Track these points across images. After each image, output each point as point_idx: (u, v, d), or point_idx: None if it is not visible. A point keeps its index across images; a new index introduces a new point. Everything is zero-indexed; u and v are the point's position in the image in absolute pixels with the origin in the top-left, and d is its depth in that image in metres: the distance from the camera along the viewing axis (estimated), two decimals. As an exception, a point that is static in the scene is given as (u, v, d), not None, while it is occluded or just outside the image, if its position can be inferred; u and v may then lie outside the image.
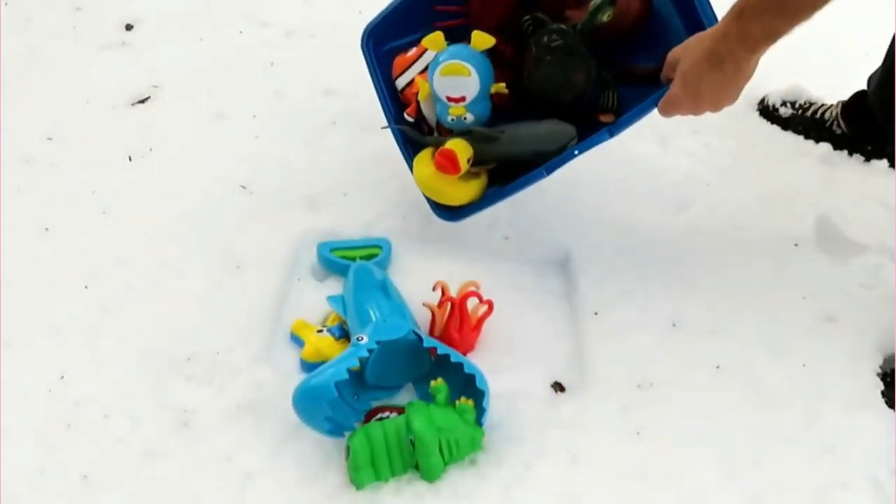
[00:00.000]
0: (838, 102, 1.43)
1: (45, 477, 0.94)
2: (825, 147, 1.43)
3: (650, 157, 1.40)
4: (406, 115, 1.18)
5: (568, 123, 1.09)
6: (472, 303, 1.08)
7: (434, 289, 1.08)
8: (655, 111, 1.03)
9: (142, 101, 1.52)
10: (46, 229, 1.24)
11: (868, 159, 1.40)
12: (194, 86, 1.55)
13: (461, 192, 1.13)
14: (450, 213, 1.17)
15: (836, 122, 1.41)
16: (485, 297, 1.08)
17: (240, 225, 1.26)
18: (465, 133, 1.11)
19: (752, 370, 1.07)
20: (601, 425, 1.00)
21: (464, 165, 1.09)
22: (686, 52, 0.98)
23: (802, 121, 1.45)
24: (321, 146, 1.41)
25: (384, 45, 1.20)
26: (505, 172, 1.14)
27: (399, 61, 1.20)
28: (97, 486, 0.94)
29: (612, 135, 1.06)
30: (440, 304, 1.07)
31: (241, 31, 1.70)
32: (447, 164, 1.08)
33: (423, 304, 1.08)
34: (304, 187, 1.32)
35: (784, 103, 1.48)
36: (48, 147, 1.41)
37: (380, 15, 1.19)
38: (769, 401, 1.04)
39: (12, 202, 1.29)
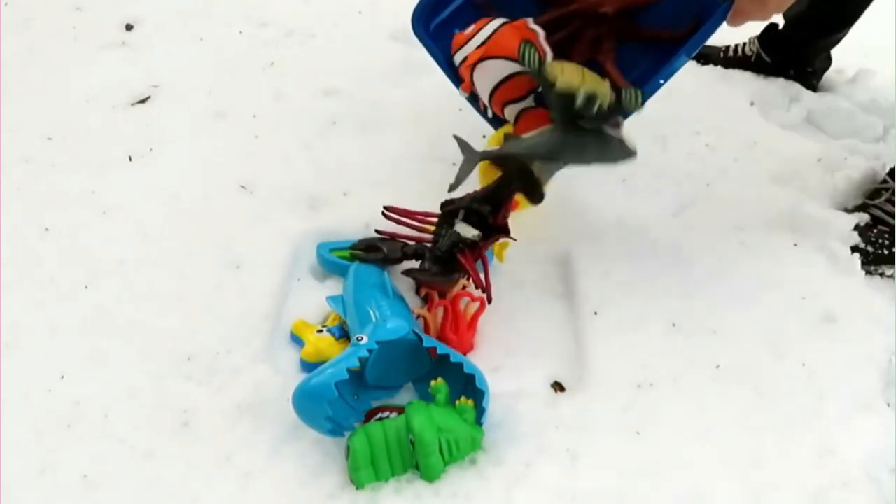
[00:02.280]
0: (751, 38, 1.61)
1: (45, 477, 0.94)
2: (825, 148, 1.43)
3: (650, 157, 1.40)
4: (461, 92, 1.18)
5: (629, 143, 1.04)
6: (464, 302, 1.08)
7: (418, 293, 1.09)
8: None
9: (142, 101, 1.52)
10: (46, 229, 1.24)
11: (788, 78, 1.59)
12: (194, 86, 1.55)
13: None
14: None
15: (758, 55, 1.60)
16: (476, 295, 1.08)
17: (239, 225, 1.26)
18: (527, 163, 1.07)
19: (752, 370, 1.07)
20: (601, 425, 1.00)
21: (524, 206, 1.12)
22: None
23: (731, 62, 1.63)
24: (321, 146, 1.41)
25: (432, 21, 1.22)
26: None
27: (457, 39, 1.18)
28: (97, 486, 0.94)
29: (689, 55, 1.08)
30: (430, 308, 1.08)
31: (241, 31, 1.70)
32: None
33: (415, 312, 1.08)
34: (304, 187, 1.32)
35: (707, 54, 1.65)
36: (48, 147, 1.41)
37: None
38: (769, 401, 1.04)
39: (12, 202, 1.29)
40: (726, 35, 1.57)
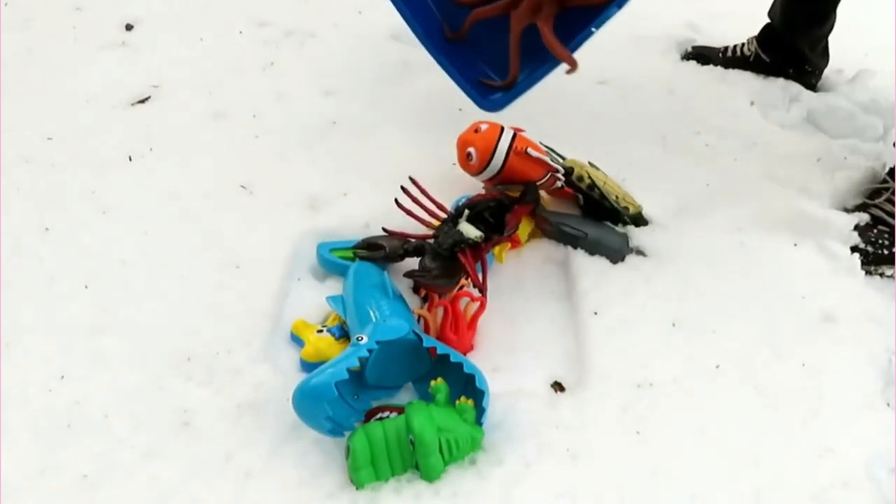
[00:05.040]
0: (750, 38, 1.62)
1: (45, 477, 0.94)
2: (825, 147, 1.43)
3: (650, 157, 1.40)
4: None
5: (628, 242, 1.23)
6: (463, 302, 1.08)
7: (416, 292, 1.09)
8: None
9: (142, 101, 1.52)
10: (46, 229, 1.24)
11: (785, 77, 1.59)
12: (194, 86, 1.55)
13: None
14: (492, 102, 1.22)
15: (757, 55, 1.61)
16: (476, 295, 1.08)
17: (240, 225, 1.26)
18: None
19: (752, 370, 1.07)
20: (601, 425, 1.00)
21: (524, 240, 1.21)
22: None
23: (728, 62, 1.64)
24: (321, 146, 1.41)
25: None
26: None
27: (468, 168, 1.24)
28: (97, 486, 0.93)
29: (619, 7, 1.10)
30: (429, 308, 1.08)
31: (241, 31, 1.70)
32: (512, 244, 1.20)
33: (415, 312, 1.08)
34: (304, 187, 1.32)
35: (700, 55, 1.68)
36: (48, 147, 1.41)
37: None
38: (769, 401, 1.04)
39: (12, 202, 1.29)
40: (725, 36, 1.59)
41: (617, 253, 1.20)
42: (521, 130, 1.22)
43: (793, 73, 1.61)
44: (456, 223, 1.12)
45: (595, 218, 1.24)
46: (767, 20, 1.60)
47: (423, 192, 1.17)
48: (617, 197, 1.23)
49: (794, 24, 1.55)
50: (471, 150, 1.20)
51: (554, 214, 1.24)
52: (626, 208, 1.24)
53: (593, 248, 1.21)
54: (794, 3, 1.54)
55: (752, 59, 1.62)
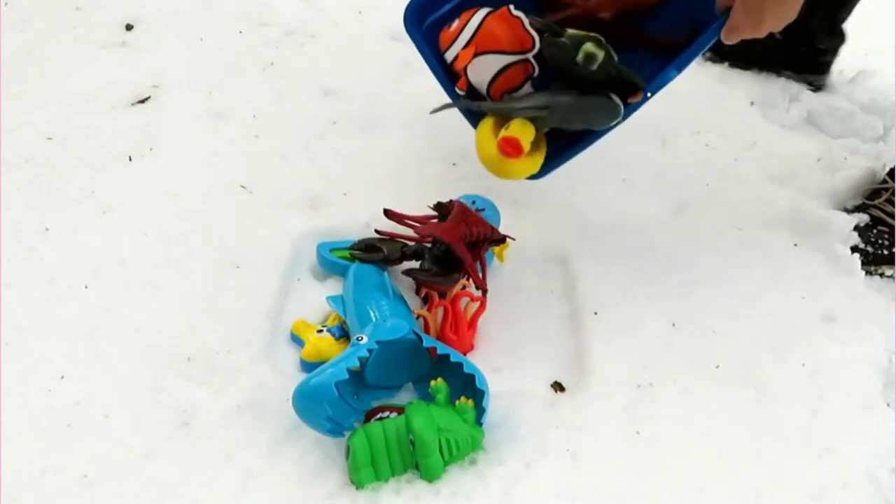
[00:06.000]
0: None
1: (45, 477, 0.94)
2: (825, 147, 1.43)
3: (650, 157, 1.40)
4: (457, 90, 1.16)
5: (615, 98, 1.06)
6: (464, 302, 1.08)
7: (418, 293, 1.09)
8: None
9: (142, 101, 1.52)
10: (46, 229, 1.24)
11: (799, 72, 1.52)
12: (194, 86, 1.55)
13: (526, 166, 1.11)
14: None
15: (772, 35, 1.49)
16: (476, 295, 1.08)
17: (240, 225, 1.26)
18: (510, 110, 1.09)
19: (752, 370, 1.07)
20: (601, 425, 1.00)
21: (527, 147, 1.07)
22: None
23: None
24: (321, 146, 1.41)
25: (426, 20, 1.19)
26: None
27: (444, 36, 1.16)
28: (97, 485, 0.93)
29: (679, 70, 1.07)
30: (430, 308, 1.08)
31: (241, 31, 1.69)
32: (512, 150, 1.07)
33: (415, 312, 1.08)
34: (304, 187, 1.32)
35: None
36: (48, 147, 1.41)
37: None
38: (769, 401, 1.04)
39: (12, 202, 1.29)
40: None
41: (604, 112, 1.06)
42: None
43: (805, 51, 1.54)
44: None
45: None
46: None
47: (401, 217, 1.16)
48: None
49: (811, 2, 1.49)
50: (454, 20, 1.14)
51: (511, 101, 1.11)
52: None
53: (569, 120, 1.09)
54: None
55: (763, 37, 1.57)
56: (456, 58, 1.14)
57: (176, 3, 1.76)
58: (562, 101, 1.08)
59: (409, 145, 1.40)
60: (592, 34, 1.06)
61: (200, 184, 1.33)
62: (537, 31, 1.12)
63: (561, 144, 1.14)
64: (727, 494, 0.95)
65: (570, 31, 1.06)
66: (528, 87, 1.13)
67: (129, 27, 1.70)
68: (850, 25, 1.55)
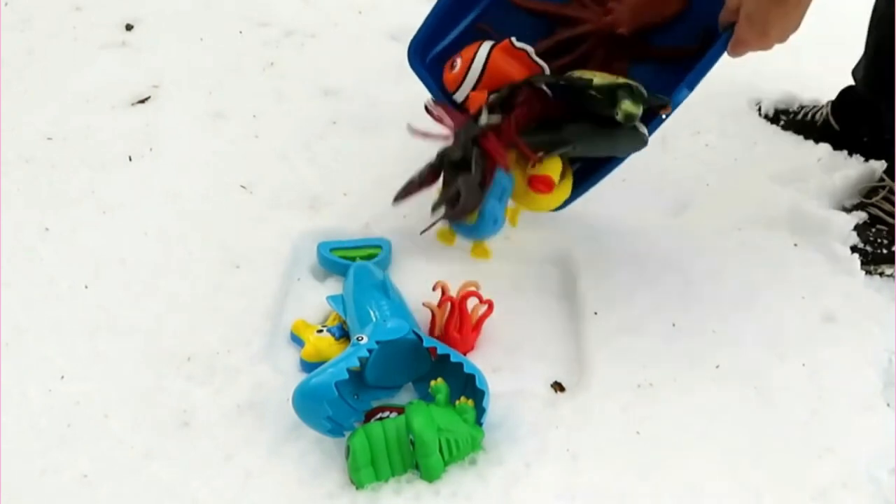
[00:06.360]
0: (828, 102, 1.46)
1: (45, 477, 0.94)
2: (825, 148, 1.43)
3: (650, 157, 1.39)
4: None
5: (640, 126, 1.05)
6: (472, 303, 1.08)
7: (434, 288, 1.08)
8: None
9: (142, 101, 1.52)
10: (46, 229, 1.24)
11: (867, 158, 1.41)
12: (194, 86, 1.55)
13: (555, 197, 1.12)
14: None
15: (827, 122, 1.44)
16: (485, 297, 1.08)
17: (240, 225, 1.26)
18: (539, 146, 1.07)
19: (752, 370, 1.07)
20: (601, 425, 1.00)
21: (557, 181, 1.09)
22: None
23: (795, 125, 1.48)
24: (321, 146, 1.41)
25: (428, 55, 1.18)
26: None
27: (449, 78, 1.15)
28: (97, 485, 0.93)
29: (691, 88, 1.06)
30: (440, 303, 1.07)
31: (241, 31, 1.70)
32: (544, 187, 1.08)
33: (424, 304, 1.08)
34: (304, 187, 1.32)
35: (777, 113, 1.51)
36: (48, 147, 1.41)
37: (421, 29, 1.16)
38: (769, 401, 1.04)
39: (12, 202, 1.29)
40: (801, 95, 1.51)
41: (629, 140, 1.05)
42: None
43: (868, 142, 1.41)
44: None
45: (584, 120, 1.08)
46: (846, 84, 1.42)
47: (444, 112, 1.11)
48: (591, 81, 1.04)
49: (882, 84, 1.30)
50: (456, 59, 1.13)
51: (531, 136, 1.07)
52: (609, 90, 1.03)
53: (594, 150, 1.09)
54: (883, 58, 1.29)
55: (819, 125, 1.45)
56: (467, 99, 1.12)
57: (176, 3, 1.76)
58: (587, 135, 1.07)
59: (409, 145, 1.39)
60: (621, 80, 1.03)
61: (200, 184, 1.33)
62: (562, 86, 1.08)
63: (584, 168, 1.14)
64: (727, 494, 0.95)
65: (595, 77, 1.03)
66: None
67: (129, 27, 1.71)
68: (851, 25, 1.54)
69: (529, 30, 1.15)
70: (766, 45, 1.02)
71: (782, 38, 1.02)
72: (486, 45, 1.12)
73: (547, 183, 1.08)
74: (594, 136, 1.07)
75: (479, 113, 1.05)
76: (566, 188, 1.13)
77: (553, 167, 1.08)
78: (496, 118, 1.03)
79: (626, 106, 1.01)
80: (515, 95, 1.06)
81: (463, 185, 1.02)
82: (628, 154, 1.09)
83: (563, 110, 1.08)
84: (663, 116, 1.06)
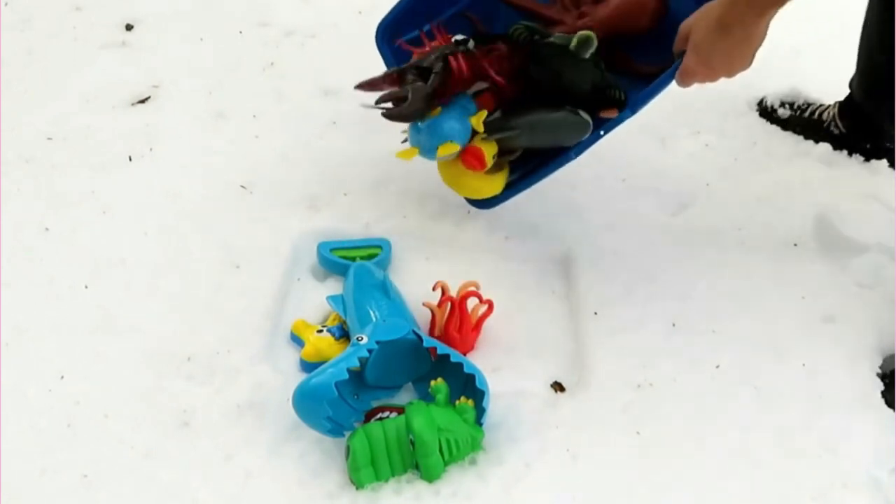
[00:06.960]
0: (835, 102, 1.44)
1: (45, 477, 0.94)
2: (825, 147, 1.43)
3: (650, 157, 1.40)
4: None
5: (582, 114, 1.08)
6: (472, 303, 1.08)
7: (434, 288, 1.08)
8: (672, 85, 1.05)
9: (142, 101, 1.52)
10: (46, 229, 1.24)
11: (868, 159, 1.40)
12: (194, 86, 1.55)
13: (486, 185, 1.14)
14: (481, 203, 1.18)
15: (833, 123, 1.42)
16: (485, 297, 1.08)
17: (240, 225, 1.26)
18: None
19: (752, 370, 1.07)
20: (601, 425, 1.00)
21: (489, 161, 1.10)
22: (696, 22, 0.99)
23: (800, 121, 1.46)
24: (321, 146, 1.41)
25: (398, 38, 1.21)
26: (527, 156, 1.15)
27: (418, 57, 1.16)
28: (97, 486, 0.94)
29: (633, 111, 1.06)
30: (440, 303, 1.07)
31: (241, 31, 1.69)
32: (474, 161, 1.09)
33: (424, 304, 1.08)
34: (304, 187, 1.32)
35: (783, 104, 1.49)
36: (48, 147, 1.41)
37: (391, 12, 1.21)
38: (769, 401, 1.04)
39: (12, 202, 1.29)
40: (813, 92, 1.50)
41: (572, 127, 1.08)
42: None
43: (870, 148, 1.40)
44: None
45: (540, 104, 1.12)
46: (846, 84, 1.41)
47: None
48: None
49: (874, 93, 1.34)
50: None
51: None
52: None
53: (539, 138, 1.11)
54: (872, 69, 1.32)
55: (826, 125, 1.43)
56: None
57: (176, 3, 1.76)
58: (529, 118, 1.10)
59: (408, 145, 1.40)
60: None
61: (200, 184, 1.33)
62: (524, 35, 1.12)
63: (525, 173, 1.15)
64: (727, 494, 0.95)
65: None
66: (497, 112, 1.12)
67: (129, 27, 1.70)
68: (851, 25, 1.55)
69: (509, 23, 1.17)
70: (712, 78, 1.02)
71: (729, 73, 1.01)
72: (436, 57, 1.11)
73: (477, 157, 1.09)
74: (540, 123, 1.10)
75: (459, 39, 1.09)
76: (496, 184, 1.14)
77: (488, 146, 1.10)
78: (472, 44, 1.07)
79: (582, 33, 1.06)
80: (494, 43, 1.10)
81: (412, 91, 1.05)
82: (571, 143, 1.09)
83: (519, 94, 1.12)
84: (601, 133, 1.08)
